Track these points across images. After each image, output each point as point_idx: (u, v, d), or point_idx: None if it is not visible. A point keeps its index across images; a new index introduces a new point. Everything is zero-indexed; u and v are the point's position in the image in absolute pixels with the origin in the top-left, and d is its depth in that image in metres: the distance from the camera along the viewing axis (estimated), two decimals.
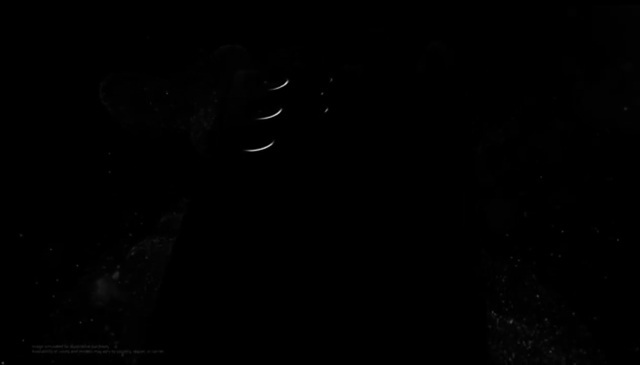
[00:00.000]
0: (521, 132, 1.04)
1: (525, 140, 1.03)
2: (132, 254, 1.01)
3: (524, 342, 0.93)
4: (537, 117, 1.04)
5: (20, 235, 1.02)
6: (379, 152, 1.00)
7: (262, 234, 0.96)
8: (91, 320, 0.98)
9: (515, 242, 0.99)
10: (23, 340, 0.96)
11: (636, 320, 0.93)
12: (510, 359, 0.93)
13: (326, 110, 1.02)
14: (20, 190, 1.06)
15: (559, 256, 0.98)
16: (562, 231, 0.99)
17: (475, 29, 1.08)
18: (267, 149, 1.03)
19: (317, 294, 0.91)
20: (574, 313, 0.94)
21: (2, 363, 0.96)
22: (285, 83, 1.06)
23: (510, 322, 0.94)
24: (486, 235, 0.97)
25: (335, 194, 0.98)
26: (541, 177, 1.01)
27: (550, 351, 0.93)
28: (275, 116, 1.05)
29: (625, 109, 1.03)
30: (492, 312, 0.95)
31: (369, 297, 0.91)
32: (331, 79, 1.06)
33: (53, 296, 0.98)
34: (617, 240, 0.97)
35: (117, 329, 0.96)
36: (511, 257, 0.98)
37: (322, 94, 1.04)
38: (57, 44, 1.13)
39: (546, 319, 0.94)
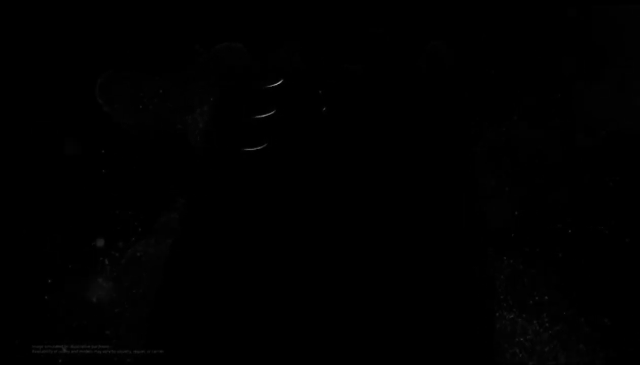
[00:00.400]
0: (521, 132, 1.04)
1: (526, 140, 1.03)
2: (131, 254, 1.01)
3: (522, 338, 0.94)
4: (537, 117, 1.04)
5: (21, 232, 1.02)
6: (379, 151, 1.00)
7: (260, 233, 0.96)
8: (90, 320, 0.97)
9: (515, 242, 0.99)
10: (22, 340, 0.96)
11: (635, 318, 0.94)
12: (507, 355, 0.93)
13: (324, 109, 1.02)
14: (19, 189, 1.05)
15: (559, 255, 0.98)
16: (562, 231, 0.99)
17: (475, 29, 1.08)
18: (264, 147, 1.03)
19: (317, 294, 0.91)
20: (573, 310, 0.95)
21: None
22: (280, 81, 1.05)
23: (509, 318, 0.94)
24: (486, 234, 0.97)
25: (334, 194, 0.98)
26: (541, 177, 1.01)
27: (549, 347, 0.94)
28: (271, 115, 1.05)
29: (625, 109, 1.03)
30: (491, 308, 0.95)
31: (368, 297, 0.91)
32: (330, 79, 1.06)
33: (47, 297, 0.98)
34: (617, 240, 0.98)
35: (116, 329, 0.96)
36: (511, 256, 0.98)
37: (320, 92, 1.04)
38: (55, 43, 1.12)
39: (545, 316, 0.95)
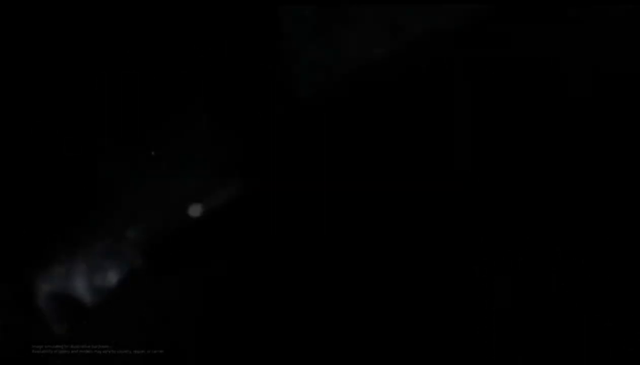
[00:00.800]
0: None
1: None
2: (131, 254, 1.01)
3: (522, 338, 0.94)
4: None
5: (22, 231, 1.02)
6: (379, 150, 1.01)
7: (260, 232, 0.96)
8: (90, 320, 0.98)
9: (515, 242, 0.99)
10: (23, 340, 0.96)
11: (636, 318, 0.94)
12: (506, 356, 0.93)
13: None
14: (19, 189, 1.05)
15: (559, 255, 0.98)
16: (562, 231, 1.00)
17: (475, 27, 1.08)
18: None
19: (316, 294, 0.91)
20: (573, 310, 0.95)
21: None
22: None
23: (509, 318, 0.95)
24: (486, 234, 0.98)
25: (334, 192, 0.98)
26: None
27: (549, 347, 0.94)
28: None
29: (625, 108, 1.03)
30: (490, 309, 0.95)
31: (367, 296, 0.91)
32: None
33: (44, 297, 0.98)
34: (617, 239, 0.98)
35: (116, 329, 0.96)
36: (511, 256, 0.98)
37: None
38: (54, 42, 1.12)
39: (545, 316, 0.95)
